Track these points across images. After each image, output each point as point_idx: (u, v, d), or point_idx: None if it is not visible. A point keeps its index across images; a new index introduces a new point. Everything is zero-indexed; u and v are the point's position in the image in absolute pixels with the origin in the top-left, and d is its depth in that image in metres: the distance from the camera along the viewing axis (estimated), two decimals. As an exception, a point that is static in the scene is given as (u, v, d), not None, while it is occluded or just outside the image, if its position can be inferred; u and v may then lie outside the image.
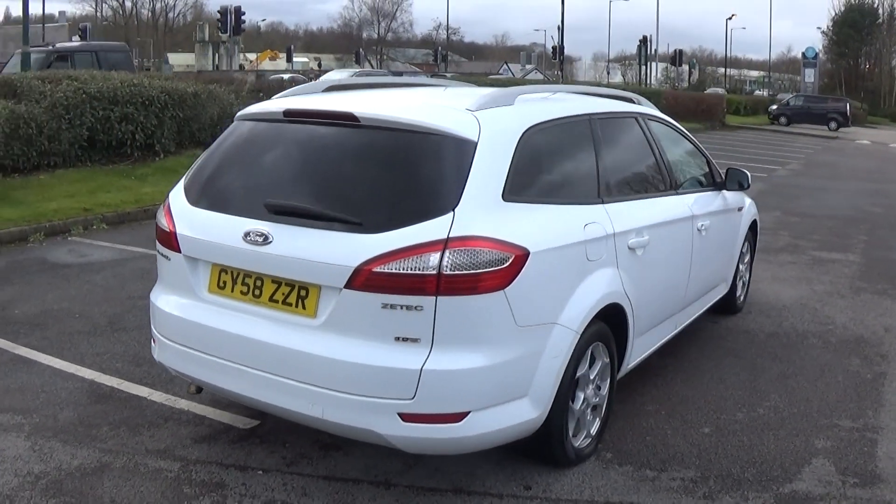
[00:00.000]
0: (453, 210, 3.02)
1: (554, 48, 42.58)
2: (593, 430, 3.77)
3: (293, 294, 3.18)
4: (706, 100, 33.71)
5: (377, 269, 2.96)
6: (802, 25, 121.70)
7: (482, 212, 3.08)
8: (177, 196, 3.70)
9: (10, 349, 5.03)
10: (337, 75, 22.13)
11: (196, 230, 3.48)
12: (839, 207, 12.20)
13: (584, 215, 3.56)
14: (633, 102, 4.91)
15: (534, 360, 3.22)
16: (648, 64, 45.16)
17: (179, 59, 62.58)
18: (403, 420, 2.99)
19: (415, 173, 3.17)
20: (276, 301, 3.22)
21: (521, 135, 3.39)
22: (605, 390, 3.82)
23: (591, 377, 3.68)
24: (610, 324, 3.76)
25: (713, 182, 5.44)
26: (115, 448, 3.78)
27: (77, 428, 3.98)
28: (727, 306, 6.04)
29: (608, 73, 77.25)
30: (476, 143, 3.18)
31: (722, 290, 5.72)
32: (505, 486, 3.46)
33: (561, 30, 24.01)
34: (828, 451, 3.90)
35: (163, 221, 3.67)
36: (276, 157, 3.51)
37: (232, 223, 3.33)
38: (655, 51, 44.95)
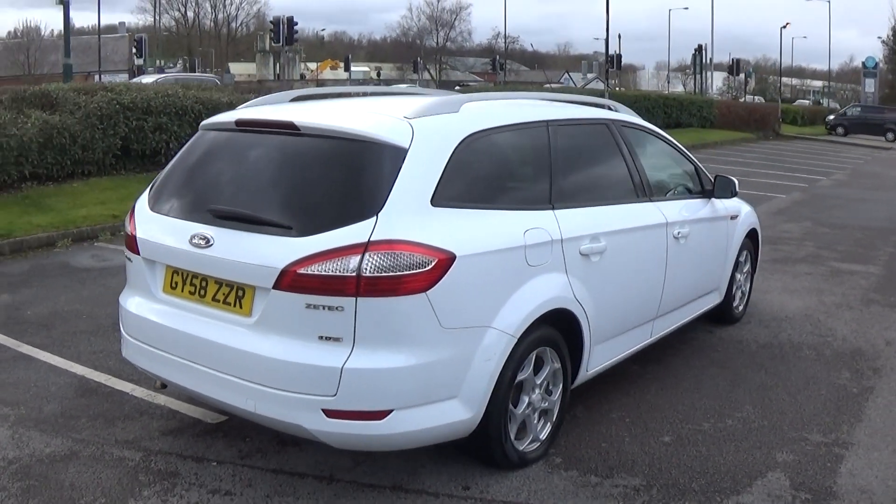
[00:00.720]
0: (377, 214, 3.09)
1: (610, 57, 42.36)
2: (542, 435, 3.76)
3: (232, 294, 3.29)
4: (759, 109, 32.94)
5: (301, 270, 3.05)
6: (867, 35, 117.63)
7: (407, 216, 3.14)
8: (142, 202, 3.87)
9: (14, 347, 5.28)
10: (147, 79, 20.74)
11: (152, 234, 3.63)
12: (874, 219, 11.78)
13: (525, 221, 3.56)
14: (611, 110, 4.90)
15: (464, 363, 3.25)
16: (704, 73, 44.33)
17: (241, 69, 63.78)
18: (328, 416, 3.06)
19: (345, 179, 3.25)
20: (218, 301, 3.34)
21: (459, 142, 3.43)
22: (556, 395, 3.81)
23: (539, 382, 3.67)
24: (560, 329, 3.76)
25: (701, 190, 5.37)
26: (87, 438, 3.94)
27: (58, 419, 4.17)
28: (723, 316, 5.93)
29: (668, 81, 76.11)
30: (406, 150, 3.24)
31: (714, 299, 5.62)
32: (444, 485, 3.49)
33: (607, 39, 23.86)
34: (787, 465, 3.80)
35: (127, 226, 3.84)
36: (226, 164, 3.64)
37: (181, 227, 3.48)
38: (711, 60, 44.15)
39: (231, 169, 3.60)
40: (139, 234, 3.70)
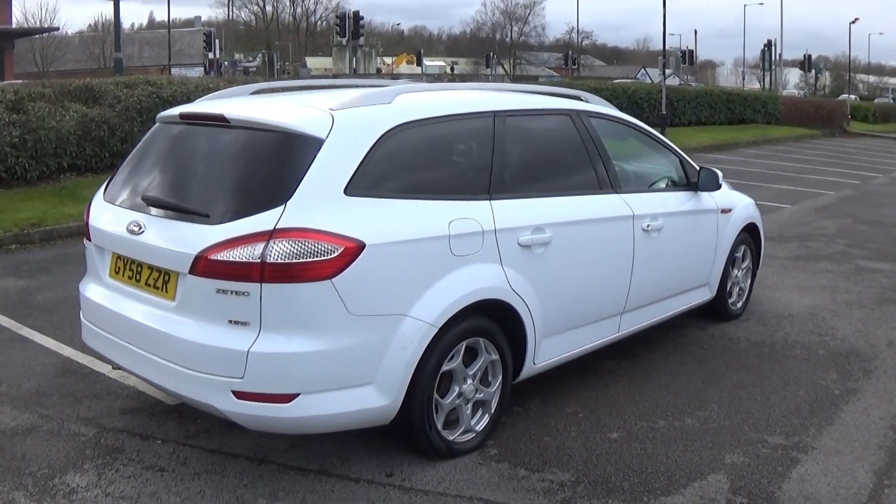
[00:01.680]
0: (286, 203, 3.07)
1: (683, 53, 41.16)
2: (479, 427, 3.67)
3: (160, 279, 3.33)
4: (826, 106, 31.40)
5: (212, 257, 3.06)
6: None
7: (316, 205, 3.11)
8: (99, 192, 3.97)
9: (15, 329, 5.49)
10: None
11: (101, 221, 3.72)
12: (922, 217, 11.11)
13: (452, 211, 3.47)
14: (581, 100, 4.75)
15: (378, 350, 3.19)
16: (774, 69, 42.59)
17: (318, 63, 64.09)
18: (237, 397, 3.06)
19: (261, 169, 3.25)
20: (150, 285, 3.38)
21: (382, 133, 3.37)
22: (494, 387, 3.71)
23: (471, 372, 3.58)
24: (497, 320, 3.67)
25: (687, 183, 5.16)
26: (52, 414, 4.05)
27: (31, 396, 4.30)
28: (717, 313, 5.68)
29: (743, 78, 73.64)
30: (323, 140, 3.21)
31: (703, 295, 5.38)
32: (369, 471, 3.43)
33: (664, 34, 23.17)
34: (734, 467, 3.59)
35: (85, 214, 3.95)
36: (167, 155, 3.68)
37: (123, 215, 3.55)
38: (780, 55, 42.40)
39: (170, 159, 3.65)
40: (91, 222, 3.80)
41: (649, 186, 5.09)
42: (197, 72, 46.40)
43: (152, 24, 75.99)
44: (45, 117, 9.34)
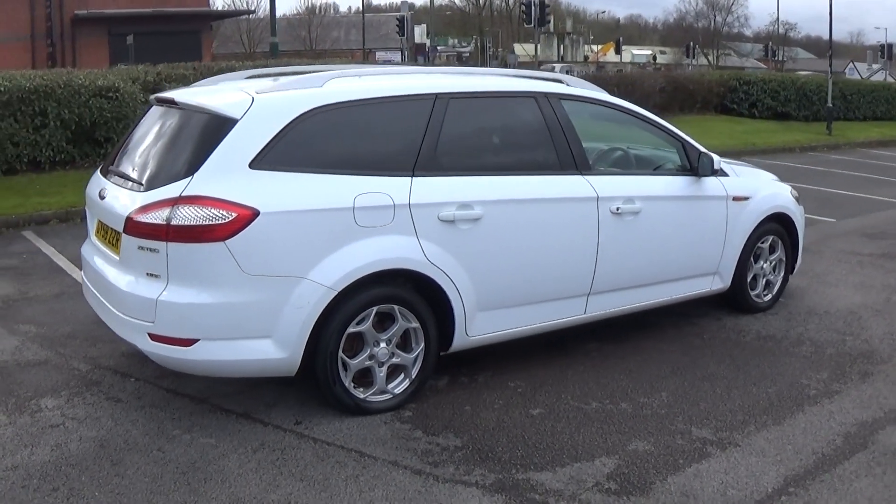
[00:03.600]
0: (193, 174, 3.38)
1: (882, 47, 37.94)
2: (397, 389, 3.78)
3: (114, 237, 3.75)
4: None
5: (135, 218, 3.43)
6: None
7: (219, 176, 3.38)
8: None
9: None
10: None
11: (90, 189, 4.21)
12: None
13: (359, 186, 3.59)
14: (561, 83, 4.61)
15: (274, 306, 3.41)
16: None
17: (527, 50, 64.42)
18: (151, 339, 3.43)
19: (186, 145, 3.58)
20: (110, 243, 3.81)
21: (298, 114, 3.55)
22: (415, 354, 3.80)
23: (385, 337, 3.69)
24: (416, 290, 3.75)
25: (689, 168, 4.84)
26: (67, 353, 4.48)
27: (60, 338, 4.69)
28: (739, 304, 5.28)
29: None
30: (237, 120, 3.47)
31: (709, 284, 5.02)
32: (284, 418, 3.67)
33: (830, 24, 20.80)
34: (632, 454, 3.42)
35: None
36: (139, 132, 4.08)
37: (100, 183, 4.02)
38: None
39: (138, 136, 4.05)
40: (86, 191, 4.34)
41: (644, 170, 4.84)
42: (397, 56, 47.63)
43: (368, 7, 78.32)
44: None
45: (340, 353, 3.61)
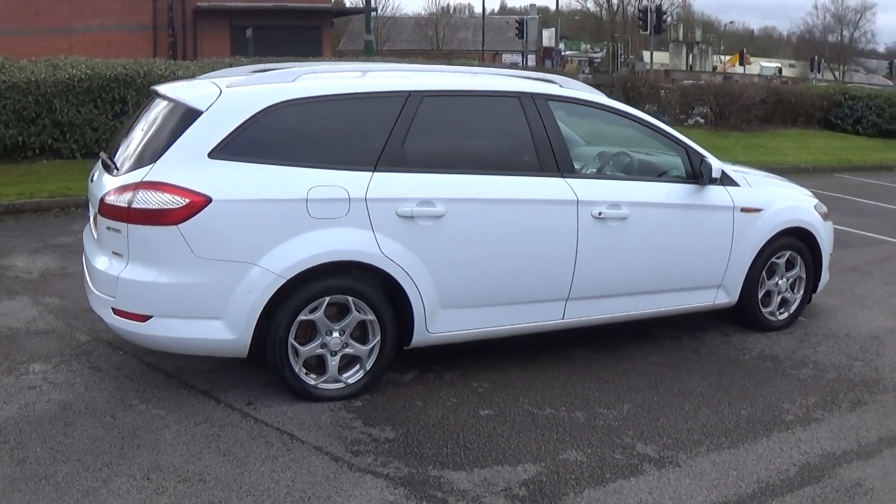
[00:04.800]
0: (155, 162, 3.53)
1: None
2: (350, 379, 3.80)
3: (95, 217, 3.95)
4: None
5: (106, 200, 3.62)
6: None
7: (178, 165, 3.51)
8: None
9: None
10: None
11: (91, 174, 4.39)
12: None
13: (314, 179, 3.62)
14: (553, 84, 4.46)
15: (224, 290, 3.50)
16: None
17: (656, 58, 62.91)
18: (113, 313, 3.61)
19: (158, 134, 3.72)
20: (94, 223, 4.02)
21: (261, 108, 3.62)
22: (370, 346, 3.80)
23: (338, 327, 3.71)
24: (371, 283, 3.76)
25: (691, 175, 4.56)
26: (76, 325, 4.68)
27: (78, 312, 4.84)
28: (750, 321, 4.94)
29: None
30: (202, 112, 3.59)
31: (712, 298, 4.70)
32: (238, 398, 3.76)
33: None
34: (560, 463, 3.28)
35: None
36: (136, 121, 4.24)
37: (97, 167, 4.23)
38: None
39: (134, 125, 4.23)
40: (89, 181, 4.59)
41: (646, 176, 4.61)
42: (529, 59, 46.96)
43: (503, 9, 77.81)
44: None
45: (291, 340, 3.67)
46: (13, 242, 6.77)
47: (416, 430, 3.54)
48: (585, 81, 6.95)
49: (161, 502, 2.92)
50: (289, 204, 3.59)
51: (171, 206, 3.45)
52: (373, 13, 45.70)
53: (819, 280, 5.16)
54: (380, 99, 3.91)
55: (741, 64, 56.96)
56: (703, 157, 4.56)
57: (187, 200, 3.45)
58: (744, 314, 4.94)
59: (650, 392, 4.05)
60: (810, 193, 5.36)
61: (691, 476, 3.23)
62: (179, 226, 3.45)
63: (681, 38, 59.20)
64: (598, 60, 60.95)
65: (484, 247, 3.97)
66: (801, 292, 5.08)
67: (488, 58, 46.41)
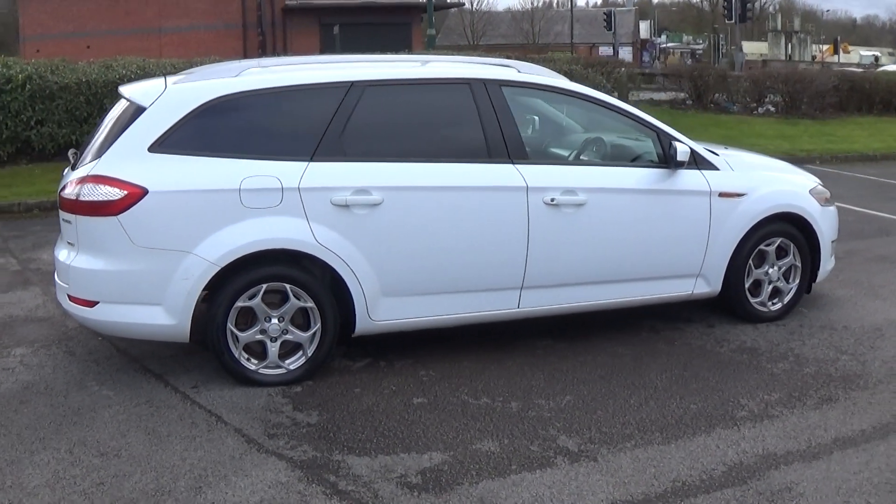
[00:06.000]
0: (101, 156, 3.67)
1: None
2: (292, 366, 3.82)
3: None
4: None
5: (61, 194, 3.79)
6: None
7: (119, 159, 3.63)
8: None
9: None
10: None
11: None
12: None
13: (247, 169, 3.64)
14: (511, 69, 4.29)
15: (162, 277, 3.60)
16: None
17: (754, 48, 59.76)
18: (69, 300, 3.78)
19: (109, 130, 3.85)
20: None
21: (201, 102, 3.69)
22: (310, 332, 3.80)
23: (277, 314, 3.74)
24: (309, 271, 3.76)
25: (661, 159, 4.29)
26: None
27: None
28: (738, 312, 4.60)
29: None
30: (145, 108, 3.69)
31: (689, 287, 4.42)
32: (184, 382, 3.84)
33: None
34: (471, 453, 3.18)
35: None
36: (100, 120, 4.31)
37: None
38: None
39: (99, 123, 4.33)
40: None
41: (617, 162, 4.38)
42: (625, 51, 45.68)
43: (606, 2, 75.72)
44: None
45: (229, 326, 3.72)
46: (51, 237, 7.17)
47: (341, 416, 3.51)
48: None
49: (72, 473, 3.04)
50: (222, 194, 3.64)
51: (112, 198, 3.57)
52: (465, 7, 45.69)
53: (818, 269, 4.74)
54: (321, 90, 3.90)
55: (834, 52, 53.42)
56: (672, 140, 4.27)
57: (125, 192, 3.56)
58: (731, 305, 4.62)
59: (601, 384, 3.85)
60: (814, 178, 4.93)
61: (603, 472, 3.04)
62: (119, 216, 3.56)
63: (779, 27, 56.06)
64: (701, 52, 58.62)
65: (425, 235, 3.88)
66: (797, 281, 4.69)
67: (584, 51, 45.41)
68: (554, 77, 4.40)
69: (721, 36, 55.03)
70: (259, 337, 3.78)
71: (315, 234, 3.71)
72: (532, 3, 56.46)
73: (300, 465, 3.09)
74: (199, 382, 3.86)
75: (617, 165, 4.32)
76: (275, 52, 20.70)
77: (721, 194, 4.38)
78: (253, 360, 3.81)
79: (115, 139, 3.71)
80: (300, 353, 3.86)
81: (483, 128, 4.02)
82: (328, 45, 20.54)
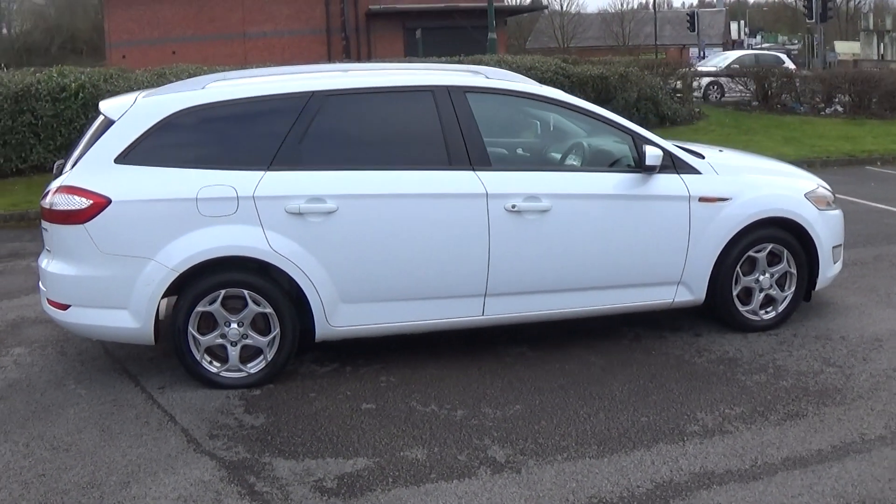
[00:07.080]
0: (73, 167, 3.86)
1: None
2: (253, 369, 3.88)
3: None
4: None
5: (41, 203, 4.01)
6: None
7: (87, 170, 3.80)
8: None
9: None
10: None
11: None
12: None
13: (204, 179, 3.74)
14: (479, 75, 4.20)
15: (127, 283, 3.74)
16: None
17: (847, 48, 57.26)
18: (48, 303, 3.99)
19: (85, 144, 4.02)
20: None
21: (165, 115, 3.81)
22: (270, 337, 3.86)
23: (235, 319, 3.82)
24: (268, 277, 3.82)
25: (636, 164, 4.11)
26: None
27: None
28: (726, 321, 4.35)
29: None
30: (114, 122, 3.86)
31: (673, 295, 4.22)
32: (154, 383, 3.96)
33: None
34: (396, 460, 3.14)
35: None
36: (82, 134, 4.49)
37: None
38: None
39: (80, 136, 4.52)
40: None
41: (593, 167, 4.23)
42: (715, 52, 44.16)
43: (702, 3, 73.48)
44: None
45: (190, 330, 3.82)
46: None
47: (285, 420, 3.55)
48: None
49: (21, 464, 3.22)
50: (180, 203, 3.75)
51: (79, 207, 3.75)
52: (546, 10, 45.18)
53: (817, 276, 4.41)
54: (281, 101, 3.96)
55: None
56: (646, 143, 4.08)
57: (91, 202, 3.73)
58: (719, 314, 4.37)
59: (557, 394, 3.72)
60: (816, 181, 4.61)
61: (521, 485, 2.94)
62: (85, 224, 3.74)
63: (871, 26, 52.83)
64: (795, 52, 56.08)
65: (383, 242, 3.88)
66: (792, 289, 4.38)
67: (674, 52, 44.13)
68: (525, 82, 4.30)
69: (815, 36, 52.41)
70: (220, 341, 3.88)
71: (270, 241, 3.77)
72: (622, 5, 55.35)
73: (227, 466, 3.15)
74: (168, 384, 3.99)
75: (588, 171, 4.18)
76: (359, 57, 20.84)
77: (702, 199, 4.16)
78: (215, 364, 3.90)
79: (87, 151, 3.91)
80: (261, 357, 3.92)
81: (444, 135, 3.98)
82: (411, 49, 20.67)
